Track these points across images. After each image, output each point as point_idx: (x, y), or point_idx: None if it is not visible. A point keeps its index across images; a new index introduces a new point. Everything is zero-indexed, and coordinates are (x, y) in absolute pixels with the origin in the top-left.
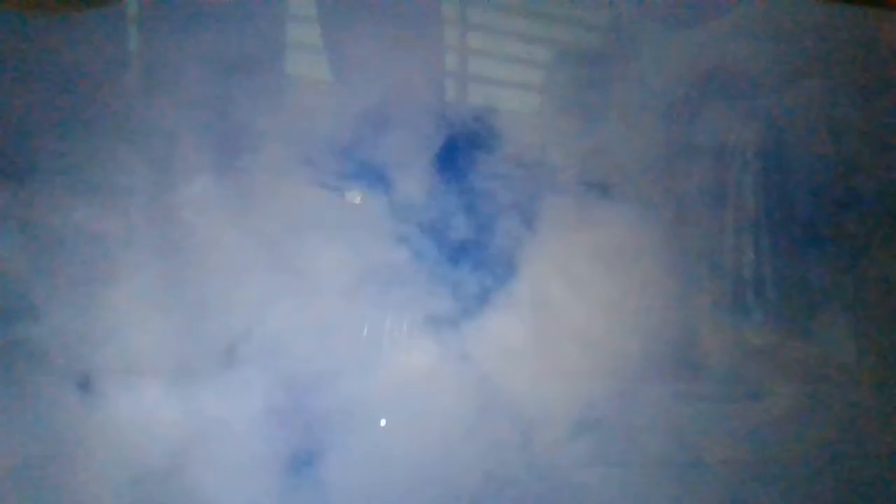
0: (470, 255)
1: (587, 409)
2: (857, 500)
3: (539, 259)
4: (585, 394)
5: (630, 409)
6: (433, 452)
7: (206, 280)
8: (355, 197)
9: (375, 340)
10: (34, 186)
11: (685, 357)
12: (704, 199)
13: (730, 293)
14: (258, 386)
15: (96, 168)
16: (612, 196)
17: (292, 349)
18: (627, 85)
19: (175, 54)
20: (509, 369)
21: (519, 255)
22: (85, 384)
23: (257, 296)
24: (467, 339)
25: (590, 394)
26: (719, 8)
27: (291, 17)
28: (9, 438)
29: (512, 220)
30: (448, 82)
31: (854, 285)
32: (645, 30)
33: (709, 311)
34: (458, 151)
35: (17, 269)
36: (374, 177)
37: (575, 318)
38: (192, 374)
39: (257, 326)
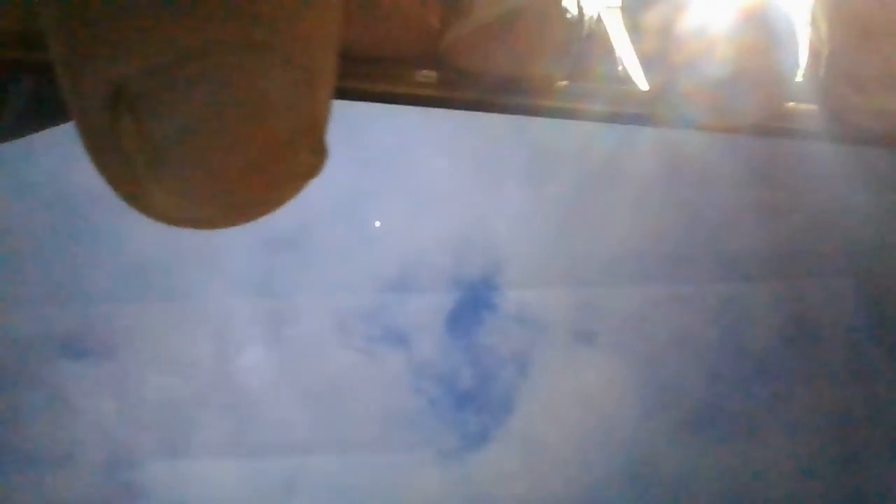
0: (474, 400)
1: None
2: None
3: (531, 402)
4: None
5: None
6: None
7: (262, 431)
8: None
9: (395, 473)
10: (123, 360)
11: (649, 475)
12: (671, 343)
13: (687, 422)
14: None
15: (170, 342)
16: (596, 343)
17: (334, 482)
18: (618, 238)
19: (221, 235)
20: (503, 493)
21: (515, 399)
22: None
23: (304, 443)
24: (470, 471)
25: None
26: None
27: (323, 194)
28: None
29: (510, 369)
30: (458, 244)
31: (797, 415)
32: (629, 186)
33: (669, 437)
34: (466, 311)
35: (117, 430)
36: (396, 338)
37: (559, 450)
38: None
39: (305, 466)
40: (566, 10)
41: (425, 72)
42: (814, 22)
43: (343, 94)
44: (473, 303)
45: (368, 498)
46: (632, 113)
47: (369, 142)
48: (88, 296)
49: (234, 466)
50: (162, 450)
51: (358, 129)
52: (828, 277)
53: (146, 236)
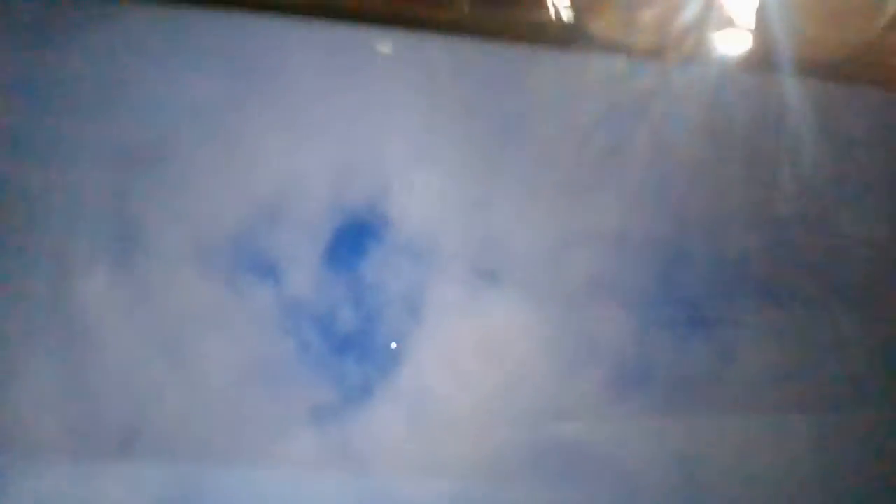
0: (355, 347)
1: (463, 498)
2: None
3: (424, 349)
4: (461, 486)
5: (507, 499)
6: None
7: (100, 373)
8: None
9: (261, 431)
10: None
11: (565, 446)
12: (591, 287)
13: (613, 380)
14: (152, 474)
15: None
16: (501, 283)
17: (184, 438)
18: (520, 170)
19: (73, 141)
20: (389, 460)
21: (404, 346)
22: None
23: (151, 386)
24: (349, 431)
25: (465, 486)
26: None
27: (188, 105)
28: None
29: (399, 310)
30: (341, 170)
31: (734, 373)
32: (533, 114)
33: (591, 398)
34: (349, 242)
35: None
36: (265, 269)
37: (455, 408)
38: (91, 461)
39: (152, 416)
40: None
41: None
42: None
43: None
44: (356, 233)
45: (225, 461)
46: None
47: (247, 55)
48: None
49: (59, 418)
50: None
51: (237, 41)
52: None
53: None
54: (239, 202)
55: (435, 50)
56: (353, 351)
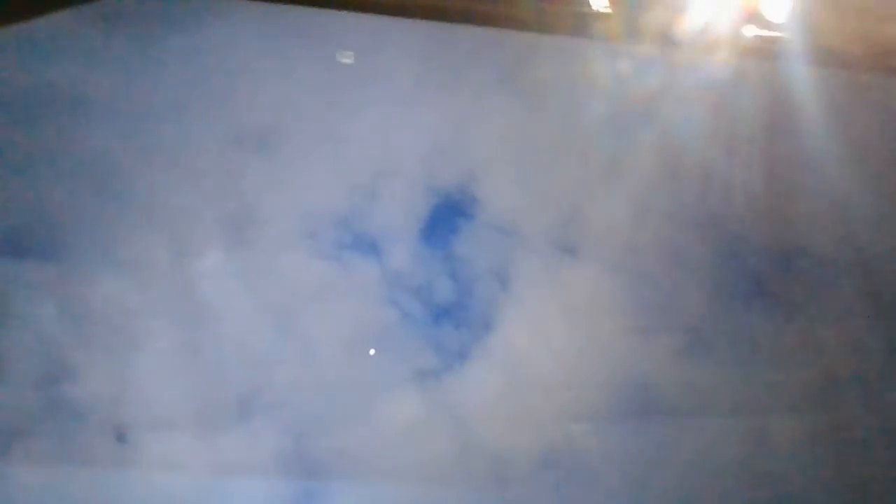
0: (452, 315)
1: (552, 448)
2: None
3: (512, 318)
4: (551, 435)
5: (592, 446)
6: (420, 487)
7: (219, 344)
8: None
9: (369, 392)
10: (69, 264)
11: (643, 399)
12: (663, 259)
13: (683, 343)
14: (267, 435)
15: (120, 245)
16: (580, 257)
17: (296, 403)
18: (598, 154)
19: (189, 128)
20: (486, 415)
21: (495, 314)
22: (121, 437)
23: (264, 357)
24: (449, 390)
25: (554, 435)
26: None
27: (294, 95)
28: (56, 487)
29: (489, 281)
30: (434, 155)
31: (792, 337)
32: (617, 109)
33: (664, 359)
34: (442, 220)
35: (57, 338)
36: (367, 246)
37: (542, 370)
38: (211, 424)
39: (265, 384)
40: None
41: None
42: None
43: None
44: (449, 212)
45: (334, 422)
46: (594, 30)
47: (344, 48)
48: (35, 188)
49: (183, 385)
50: (105, 365)
51: (333, 36)
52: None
53: (101, 128)
54: (341, 184)
55: (511, 44)
56: (451, 319)
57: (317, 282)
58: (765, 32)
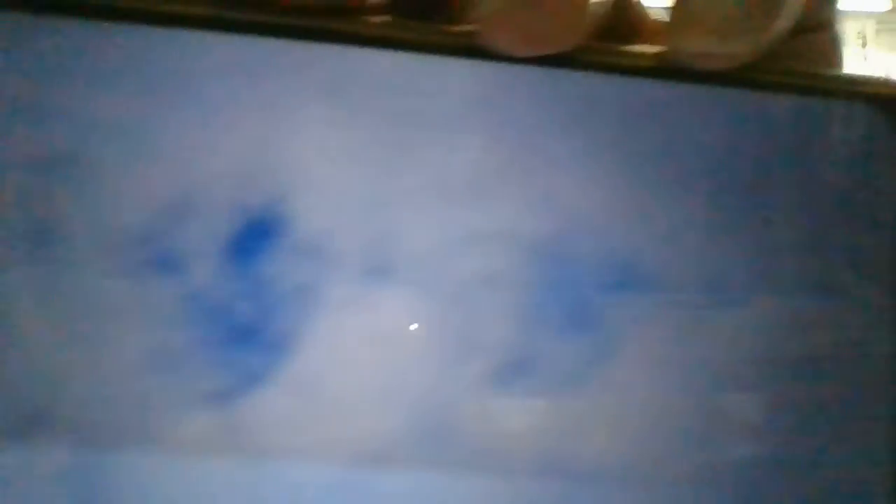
0: (251, 338)
1: (345, 476)
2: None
3: (315, 340)
4: (344, 463)
5: (383, 476)
6: None
7: (10, 359)
8: None
9: (160, 411)
10: None
11: (446, 430)
12: (478, 283)
13: (490, 370)
14: (54, 451)
15: None
16: (393, 280)
17: (85, 419)
18: (418, 170)
19: None
20: (279, 437)
21: (297, 337)
22: None
23: (56, 373)
24: (242, 415)
25: (345, 462)
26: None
27: (97, 115)
28: None
29: (295, 303)
30: (241, 173)
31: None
32: (437, 122)
33: (471, 387)
34: (247, 240)
35: None
36: (169, 265)
37: (343, 394)
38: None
39: (55, 399)
40: None
41: None
42: None
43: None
44: (254, 232)
45: (124, 438)
46: (448, 43)
47: (148, 63)
48: None
49: None
50: None
51: (136, 52)
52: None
53: None
54: (145, 202)
55: (340, 59)
56: (249, 341)
57: (114, 298)
58: None
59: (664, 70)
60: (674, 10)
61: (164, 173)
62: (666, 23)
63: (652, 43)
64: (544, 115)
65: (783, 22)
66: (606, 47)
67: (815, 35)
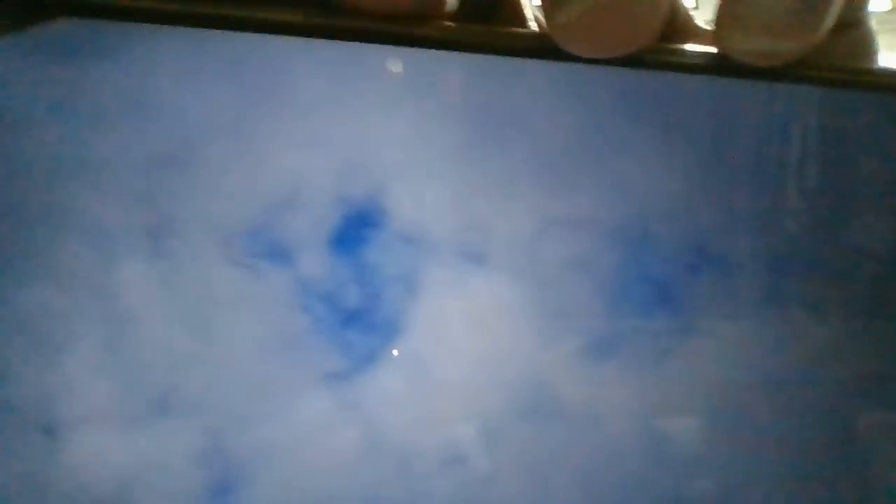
0: (360, 320)
1: (455, 447)
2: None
3: (421, 323)
4: (453, 436)
5: (492, 447)
6: (329, 482)
7: (138, 346)
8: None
9: (281, 393)
10: None
11: (542, 401)
12: (566, 267)
13: (583, 346)
14: (185, 431)
15: (47, 254)
16: (487, 265)
17: (211, 401)
18: (506, 163)
19: (107, 151)
20: (392, 417)
21: (402, 319)
22: (49, 432)
23: (182, 359)
24: (357, 391)
25: (457, 436)
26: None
27: (204, 116)
28: None
29: (399, 288)
30: (344, 166)
31: (697, 341)
32: (519, 111)
33: (564, 362)
34: (351, 229)
35: None
36: (279, 255)
37: (446, 375)
38: (132, 421)
39: (182, 384)
40: None
41: None
42: None
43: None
44: (358, 222)
45: (248, 419)
46: (525, 47)
47: (253, 68)
48: None
49: (106, 384)
50: (31, 364)
51: (241, 57)
52: (735, 203)
53: (33, 145)
54: (253, 198)
55: (432, 61)
56: (362, 323)
57: (230, 288)
58: None
59: (722, 67)
60: (721, 9)
61: (271, 169)
62: (712, 23)
63: (696, 43)
64: (619, 110)
65: (830, 20)
66: (668, 48)
67: (854, 31)
